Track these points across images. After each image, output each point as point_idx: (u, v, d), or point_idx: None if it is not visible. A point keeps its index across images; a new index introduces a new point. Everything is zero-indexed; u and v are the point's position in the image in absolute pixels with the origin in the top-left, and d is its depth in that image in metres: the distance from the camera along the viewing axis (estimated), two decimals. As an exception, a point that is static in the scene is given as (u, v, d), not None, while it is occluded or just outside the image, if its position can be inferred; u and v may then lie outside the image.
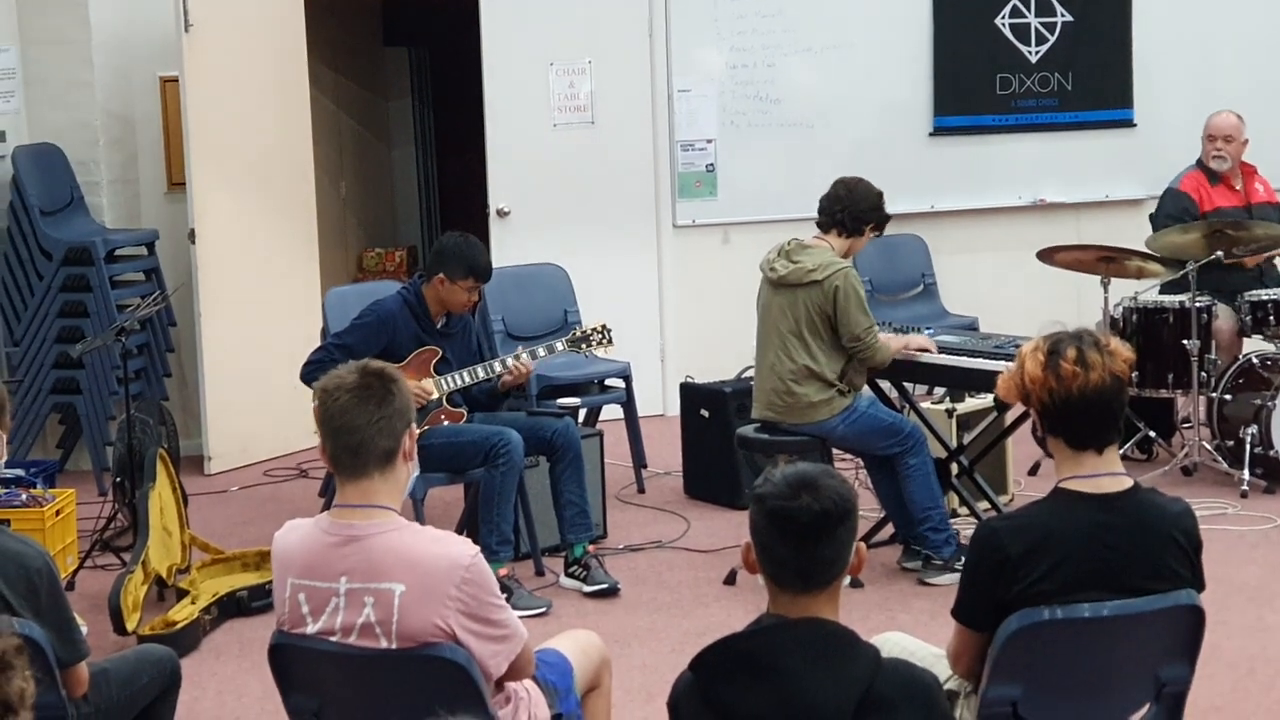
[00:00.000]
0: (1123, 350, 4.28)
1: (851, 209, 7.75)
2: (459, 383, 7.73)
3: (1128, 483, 4.28)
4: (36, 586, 4.37)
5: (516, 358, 7.73)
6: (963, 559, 7.34)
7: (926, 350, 7.89)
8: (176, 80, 9.94)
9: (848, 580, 3.68)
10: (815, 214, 7.86)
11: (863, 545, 3.66)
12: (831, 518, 3.53)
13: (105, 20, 10.17)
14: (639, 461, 9.53)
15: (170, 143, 10.33)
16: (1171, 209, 9.67)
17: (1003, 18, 11.54)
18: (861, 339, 7.58)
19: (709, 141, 11.27)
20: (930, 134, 11.56)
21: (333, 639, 4.18)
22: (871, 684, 3.43)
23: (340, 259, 13.29)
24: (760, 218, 10.84)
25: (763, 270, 7.82)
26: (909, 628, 5.75)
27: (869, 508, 7.78)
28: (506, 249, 10.69)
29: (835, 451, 8.10)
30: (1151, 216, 9.94)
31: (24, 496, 7.85)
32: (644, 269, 11.26)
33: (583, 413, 9.38)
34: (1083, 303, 10.11)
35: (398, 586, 4.11)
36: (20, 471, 8.37)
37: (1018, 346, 7.50)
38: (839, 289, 7.54)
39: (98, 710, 4.70)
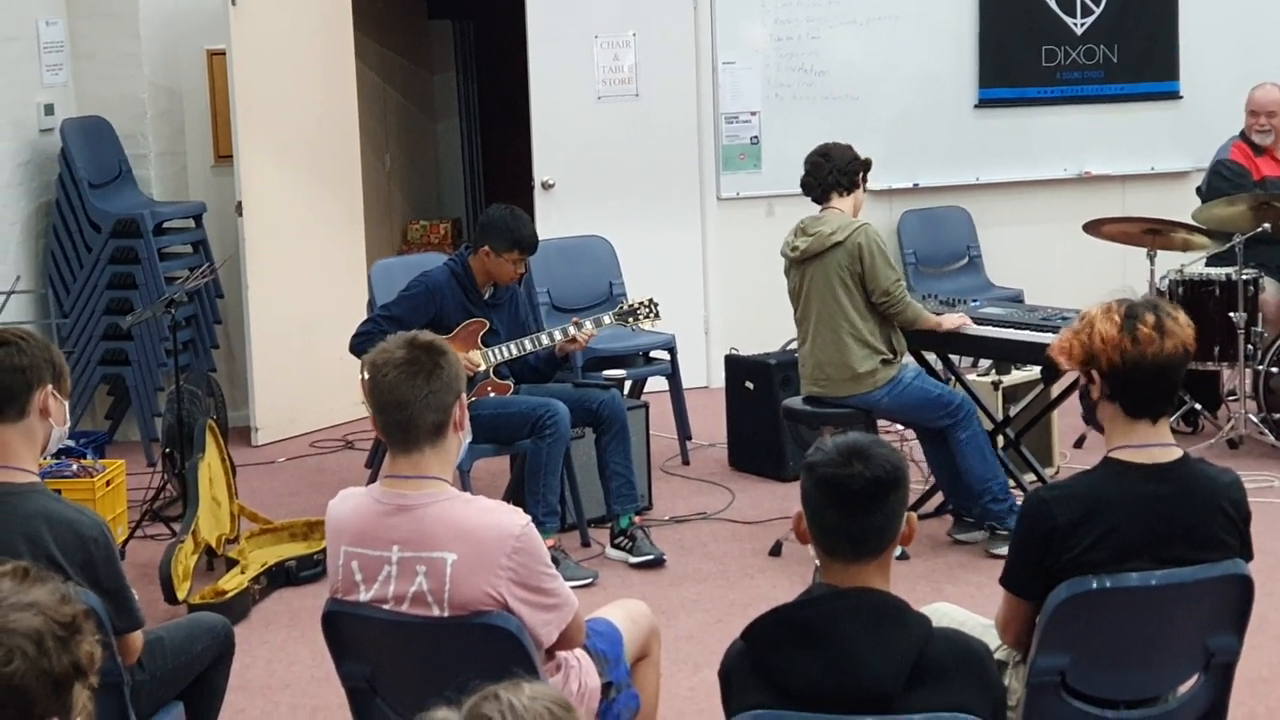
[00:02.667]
0: (1189, 324, 4.28)
1: (836, 168, 7.78)
2: (506, 355, 7.75)
3: (1177, 453, 4.28)
4: (92, 555, 4.40)
5: (580, 327, 7.76)
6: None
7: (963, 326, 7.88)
8: (223, 53, 9.98)
9: (897, 552, 3.69)
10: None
11: (914, 515, 3.68)
12: (883, 485, 3.54)
13: (153, -6, 10.23)
14: (684, 433, 9.55)
15: (217, 116, 10.38)
16: (1228, 176, 9.61)
17: (1048, -11, 11.53)
18: (891, 292, 7.58)
19: (753, 114, 11.27)
20: (975, 106, 11.54)
21: (385, 607, 4.21)
22: (923, 653, 3.44)
23: (385, 231, 13.33)
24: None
25: (785, 255, 7.84)
26: (956, 600, 5.76)
27: (914, 479, 7.80)
28: (551, 221, 10.70)
29: (881, 423, 8.10)
30: (1199, 189, 9.90)
31: (74, 467, 7.89)
32: (688, 241, 11.27)
33: (628, 385, 9.40)
34: (1128, 275, 10.08)
35: (449, 555, 4.14)
36: (70, 442, 8.41)
37: (1064, 319, 7.58)
38: (862, 245, 7.57)
39: (153, 677, 4.74)
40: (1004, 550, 7.49)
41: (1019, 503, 7.62)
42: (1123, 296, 4.35)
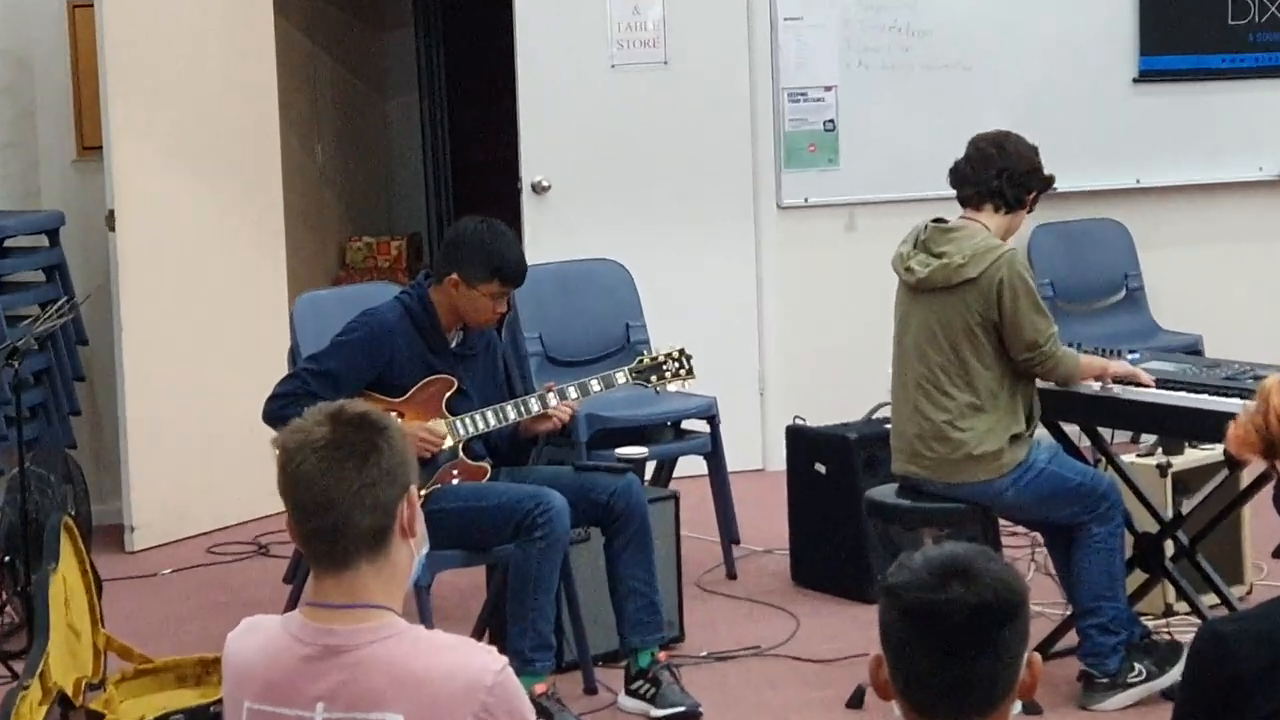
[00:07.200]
0: None
1: (1011, 171, 7.67)
2: (481, 425, 7.76)
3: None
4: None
5: (559, 394, 7.76)
6: (1137, 670, 7.46)
7: (1135, 381, 7.84)
8: (91, 6, 10.01)
9: (1018, 706, 3.67)
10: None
11: (1037, 656, 3.65)
12: (993, 615, 3.52)
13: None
14: (729, 535, 9.56)
15: (81, 93, 10.41)
16: None
17: (1236, -80, 11.58)
18: (1041, 347, 7.51)
19: (828, 89, 11.30)
20: (1134, 81, 11.57)
21: (305, 789, 4.21)
22: None
23: (315, 252, 13.37)
24: (898, 195, 10.81)
25: (895, 270, 7.78)
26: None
27: (1051, 601, 7.81)
28: (545, 238, 10.73)
29: (1003, 523, 8.09)
30: None
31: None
32: (736, 267, 11.29)
33: (651, 467, 9.40)
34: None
35: (394, 718, 4.13)
36: None
37: (1257, 378, 7.55)
38: (1003, 283, 7.45)
39: None
40: (1104, 704, 7.57)
41: (1129, 640, 7.63)
42: None
